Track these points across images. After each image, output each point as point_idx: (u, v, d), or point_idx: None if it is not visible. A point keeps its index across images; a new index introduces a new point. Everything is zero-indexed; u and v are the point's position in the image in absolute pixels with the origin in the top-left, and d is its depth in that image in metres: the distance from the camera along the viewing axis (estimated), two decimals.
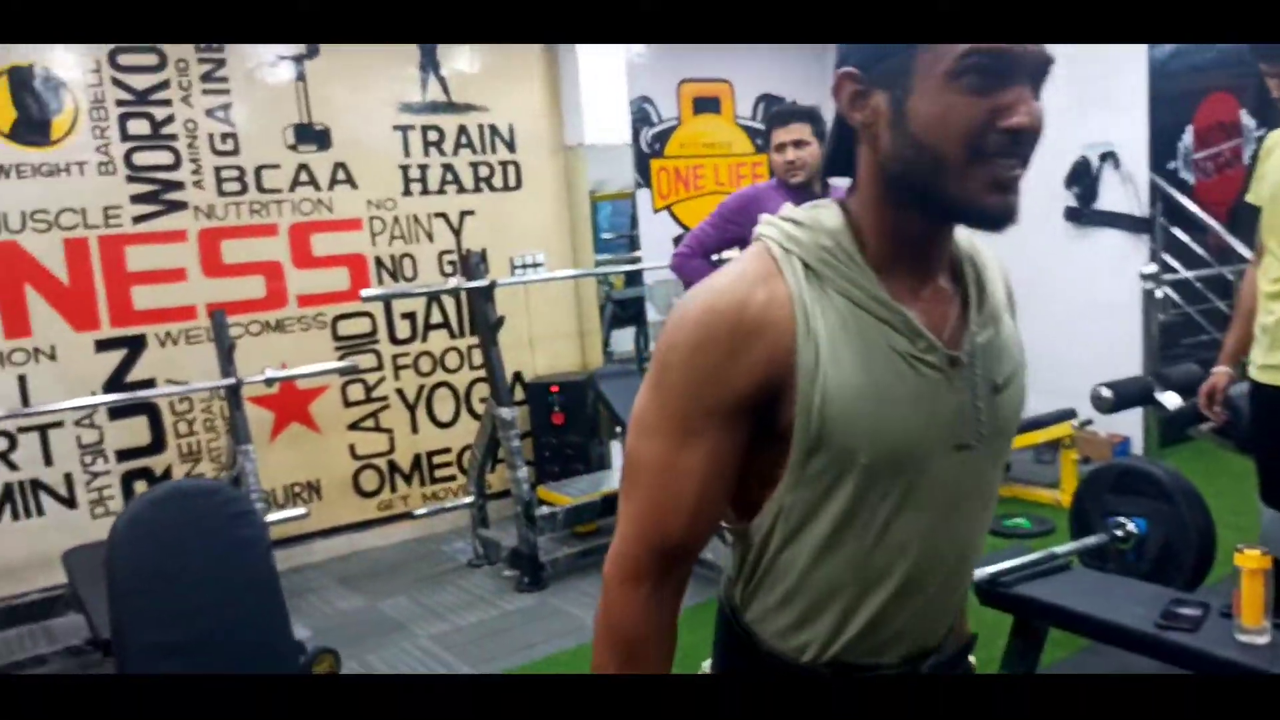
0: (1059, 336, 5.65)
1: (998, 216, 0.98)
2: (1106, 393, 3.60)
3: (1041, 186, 5.66)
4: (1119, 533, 3.20)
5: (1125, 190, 5.42)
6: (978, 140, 0.95)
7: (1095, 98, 5.40)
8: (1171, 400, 3.72)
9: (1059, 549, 3.01)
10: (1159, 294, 5.25)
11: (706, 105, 6.12)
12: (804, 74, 6.23)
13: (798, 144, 3.42)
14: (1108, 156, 5.45)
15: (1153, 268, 5.13)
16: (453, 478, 5.31)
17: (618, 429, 4.87)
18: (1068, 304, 5.60)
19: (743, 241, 3.50)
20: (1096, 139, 5.48)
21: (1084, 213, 5.58)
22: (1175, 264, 5.49)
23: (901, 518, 1.06)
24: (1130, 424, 5.36)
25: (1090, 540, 3.20)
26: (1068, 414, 4.89)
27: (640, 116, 5.83)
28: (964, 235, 1.12)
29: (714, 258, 3.97)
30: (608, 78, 5.29)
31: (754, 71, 6.22)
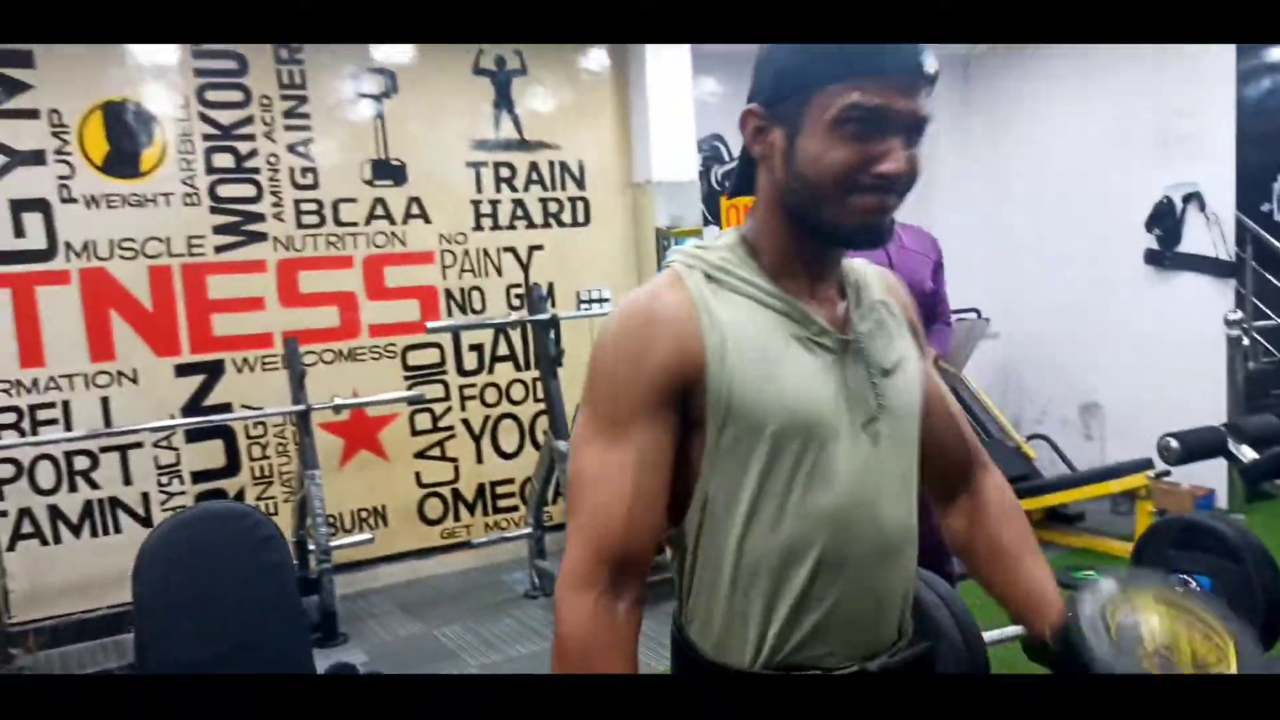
0: (1137, 384, 5.50)
1: (865, 239, 1.14)
2: (1173, 444, 3.44)
3: (1120, 228, 5.52)
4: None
5: (1210, 233, 5.24)
6: (851, 180, 1.09)
7: (1179, 136, 5.25)
8: (1248, 453, 3.56)
9: None
10: (1246, 341, 5.04)
11: None
12: None
13: None
14: (1191, 198, 5.28)
15: (1238, 314, 4.93)
16: (515, 508, 5.36)
17: None
18: (1147, 350, 5.43)
19: None
20: (1180, 179, 5.32)
21: (1166, 256, 5.41)
22: (1268, 310, 5.28)
23: (814, 490, 1.14)
24: (1216, 476, 5.15)
25: None
26: (1144, 464, 4.72)
27: (711, 154, 5.86)
28: (850, 260, 1.27)
29: None
30: (676, 115, 5.33)
31: None
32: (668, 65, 5.32)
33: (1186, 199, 5.31)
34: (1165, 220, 5.39)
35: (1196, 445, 3.72)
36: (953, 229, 4.86)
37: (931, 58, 1.09)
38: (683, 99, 5.38)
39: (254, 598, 2.11)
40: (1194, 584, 3.09)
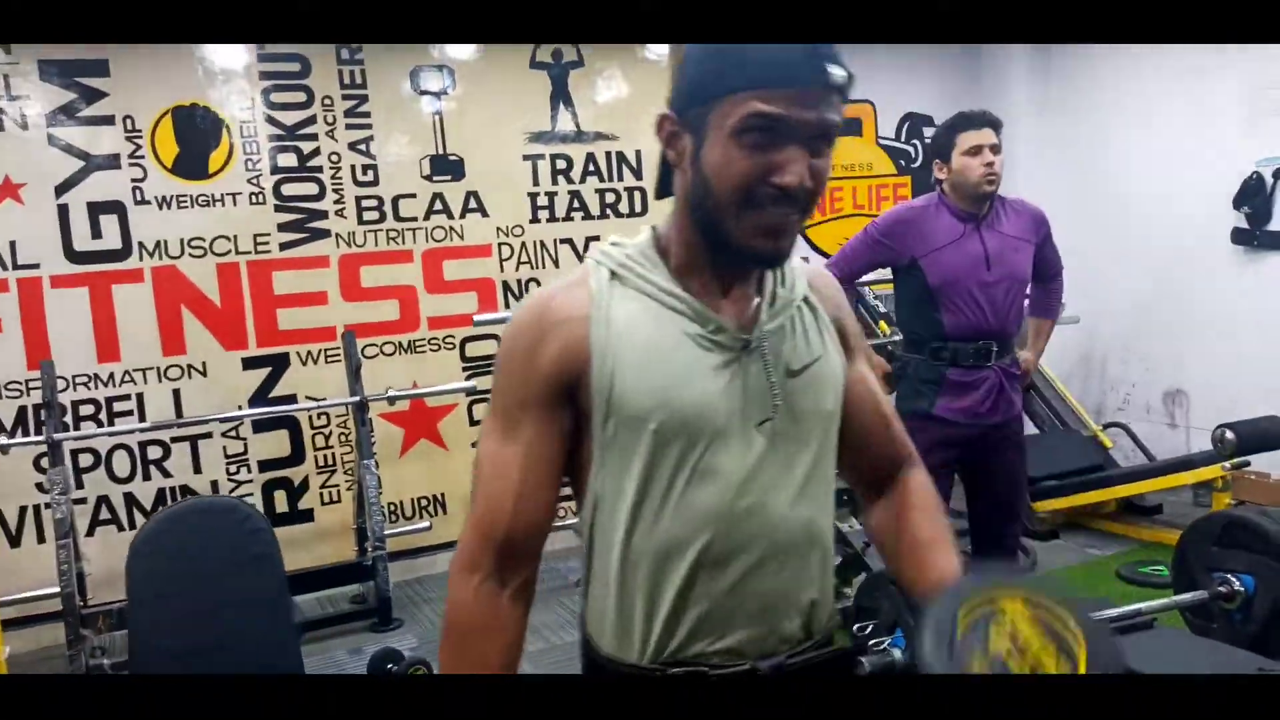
0: (1225, 370, 5.22)
1: (763, 258, 1.17)
2: (1229, 435, 3.27)
3: (1203, 206, 5.23)
4: (1223, 589, 2.90)
5: None
6: (750, 191, 1.09)
7: (1270, 109, 4.95)
8: None
9: (1146, 605, 2.76)
10: None
11: (847, 127, 5.98)
12: (951, 90, 6.01)
13: (994, 148, 3.09)
14: None
15: None
16: (570, 498, 5.39)
17: None
18: (1235, 334, 5.14)
19: (895, 264, 3.30)
20: (1271, 153, 5.01)
21: (1256, 234, 5.10)
22: None
23: (697, 488, 1.16)
24: None
25: (1185, 597, 2.91)
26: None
27: None
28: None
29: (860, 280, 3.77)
30: None
31: (897, 91, 6.05)
32: None
33: (1278, 174, 5.01)
34: (1254, 197, 5.07)
35: (1255, 437, 3.53)
36: None
37: (839, 67, 1.07)
38: None
39: (238, 587, 2.19)
40: (1236, 583, 2.93)
